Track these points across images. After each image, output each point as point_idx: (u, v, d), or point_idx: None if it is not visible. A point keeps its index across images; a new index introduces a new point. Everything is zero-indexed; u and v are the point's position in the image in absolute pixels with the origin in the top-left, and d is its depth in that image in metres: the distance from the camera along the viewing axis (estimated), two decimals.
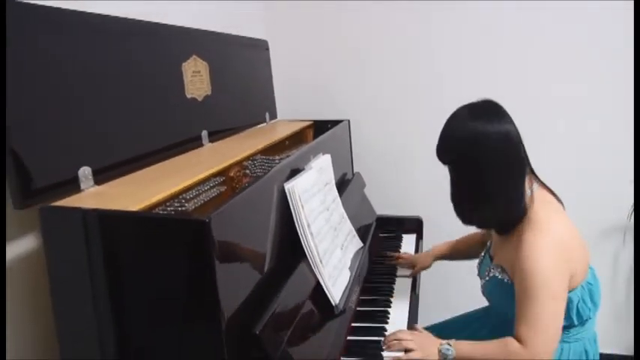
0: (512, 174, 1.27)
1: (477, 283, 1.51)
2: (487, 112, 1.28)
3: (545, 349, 1.21)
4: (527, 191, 1.30)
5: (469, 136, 1.24)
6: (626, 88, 2.14)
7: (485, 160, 1.25)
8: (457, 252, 1.79)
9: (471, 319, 1.68)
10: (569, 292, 1.28)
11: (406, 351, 1.31)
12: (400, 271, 1.81)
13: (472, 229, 1.53)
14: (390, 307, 1.57)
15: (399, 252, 1.92)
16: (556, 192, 1.39)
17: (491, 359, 1.25)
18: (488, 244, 1.52)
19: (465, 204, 1.35)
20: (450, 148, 1.30)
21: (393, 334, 1.35)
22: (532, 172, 1.36)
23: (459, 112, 1.31)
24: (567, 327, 1.33)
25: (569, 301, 1.28)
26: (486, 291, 1.45)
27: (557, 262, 1.22)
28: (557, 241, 1.25)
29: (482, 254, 1.52)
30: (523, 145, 1.30)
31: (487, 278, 1.42)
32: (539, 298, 1.20)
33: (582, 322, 1.33)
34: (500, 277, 1.35)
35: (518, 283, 1.25)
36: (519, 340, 1.22)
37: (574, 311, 1.30)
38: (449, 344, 1.29)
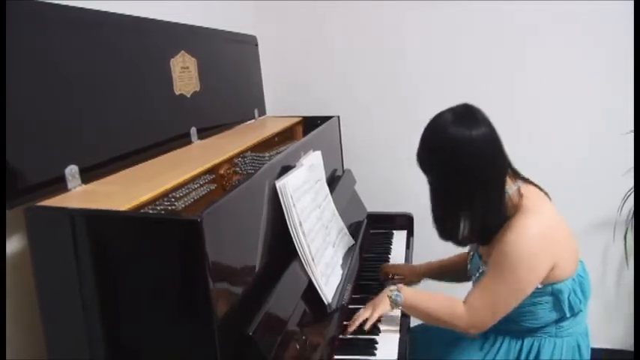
0: (494, 178, 1.27)
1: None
2: (467, 117, 1.26)
3: (483, 325, 1.29)
4: (511, 189, 1.30)
5: (451, 142, 1.23)
6: (619, 84, 2.15)
7: (468, 165, 1.23)
8: (445, 271, 1.72)
9: None
10: (559, 283, 1.28)
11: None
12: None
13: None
14: None
15: (389, 256, 1.90)
16: (546, 187, 1.38)
17: (434, 312, 1.33)
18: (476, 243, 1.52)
19: (447, 214, 1.33)
20: (433, 154, 1.28)
21: (352, 322, 1.38)
22: (513, 170, 1.35)
23: (438, 118, 1.28)
24: (559, 320, 1.33)
25: (560, 293, 1.28)
26: None
27: (539, 249, 1.23)
28: (543, 226, 1.25)
29: (472, 254, 1.51)
30: (503, 148, 1.28)
31: (477, 275, 1.41)
32: (505, 279, 1.24)
33: (574, 314, 1.33)
34: None
35: (493, 257, 1.27)
36: (467, 305, 1.28)
37: (565, 303, 1.30)
38: (398, 290, 1.37)
